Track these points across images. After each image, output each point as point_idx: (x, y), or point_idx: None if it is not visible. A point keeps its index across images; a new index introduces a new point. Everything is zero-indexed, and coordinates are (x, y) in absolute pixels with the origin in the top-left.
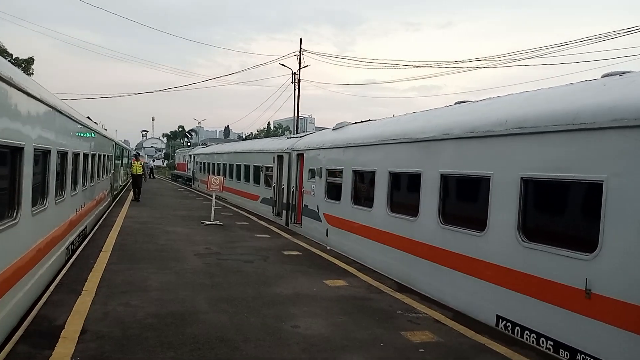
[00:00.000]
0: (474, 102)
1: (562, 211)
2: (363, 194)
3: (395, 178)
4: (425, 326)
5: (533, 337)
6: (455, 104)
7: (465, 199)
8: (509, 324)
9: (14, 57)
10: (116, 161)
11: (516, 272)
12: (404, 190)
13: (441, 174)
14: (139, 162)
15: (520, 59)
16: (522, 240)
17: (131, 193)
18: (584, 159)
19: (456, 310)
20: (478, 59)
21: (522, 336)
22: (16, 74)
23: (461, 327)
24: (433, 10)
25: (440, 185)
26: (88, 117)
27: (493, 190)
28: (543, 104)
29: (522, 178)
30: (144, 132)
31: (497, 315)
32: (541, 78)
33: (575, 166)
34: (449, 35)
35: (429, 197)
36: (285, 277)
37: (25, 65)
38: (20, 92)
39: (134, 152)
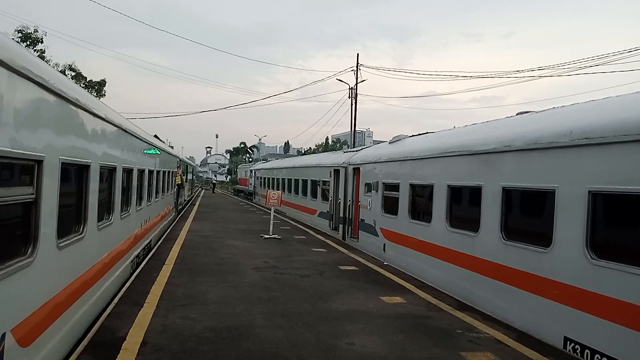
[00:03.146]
0: (536, 112)
1: (635, 226)
2: (421, 208)
3: (455, 192)
4: (487, 347)
5: None
6: (516, 114)
7: (528, 214)
8: (577, 346)
9: (87, 80)
10: (182, 177)
11: (585, 291)
12: (464, 205)
13: (503, 188)
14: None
15: (585, 67)
16: (590, 257)
17: (195, 207)
18: None
19: (520, 330)
20: (541, 68)
21: None
22: (82, 96)
23: (525, 349)
24: (494, 20)
25: (502, 199)
26: (155, 136)
27: (558, 205)
28: (611, 113)
29: (589, 191)
30: (208, 149)
31: (565, 337)
32: (608, 86)
33: None
34: (511, 45)
35: (490, 211)
36: (341, 292)
37: (98, 87)
38: (86, 113)
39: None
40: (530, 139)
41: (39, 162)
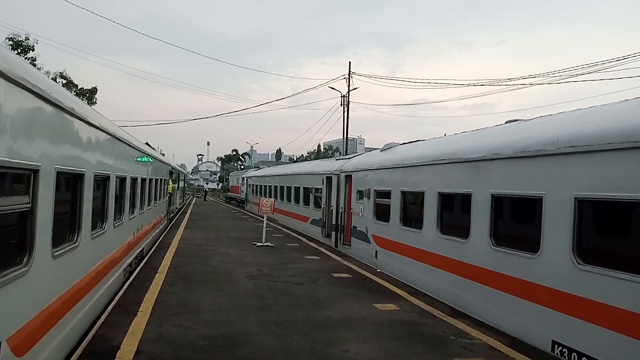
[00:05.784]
0: (524, 120)
1: (620, 232)
2: (412, 215)
3: (445, 199)
4: (480, 353)
5: None
6: (505, 122)
7: (517, 220)
8: (565, 349)
9: (79, 88)
10: (172, 185)
11: (572, 296)
12: (454, 211)
13: (492, 195)
14: None
15: (575, 75)
16: (577, 262)
17: (187, 215)
18: None
19: (512, 336)
20: (532, 76)
21: None
22: (77, 105)
23: (517, 354)
24: (486, 28)
25: (491, 206)
26: (147, 143)
27: (546, 211)
28: (596, 121)
29: (575, 198)
30: (199, 156)
31: (553, 341)
32: (597, 94)
33: (631, 185)
34: (502, 52)
35: (480, 218)
36: (335, 300)
37: (89, 95)
38: (81, 122)
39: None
40: (518, 147)
41: (35, 172)
